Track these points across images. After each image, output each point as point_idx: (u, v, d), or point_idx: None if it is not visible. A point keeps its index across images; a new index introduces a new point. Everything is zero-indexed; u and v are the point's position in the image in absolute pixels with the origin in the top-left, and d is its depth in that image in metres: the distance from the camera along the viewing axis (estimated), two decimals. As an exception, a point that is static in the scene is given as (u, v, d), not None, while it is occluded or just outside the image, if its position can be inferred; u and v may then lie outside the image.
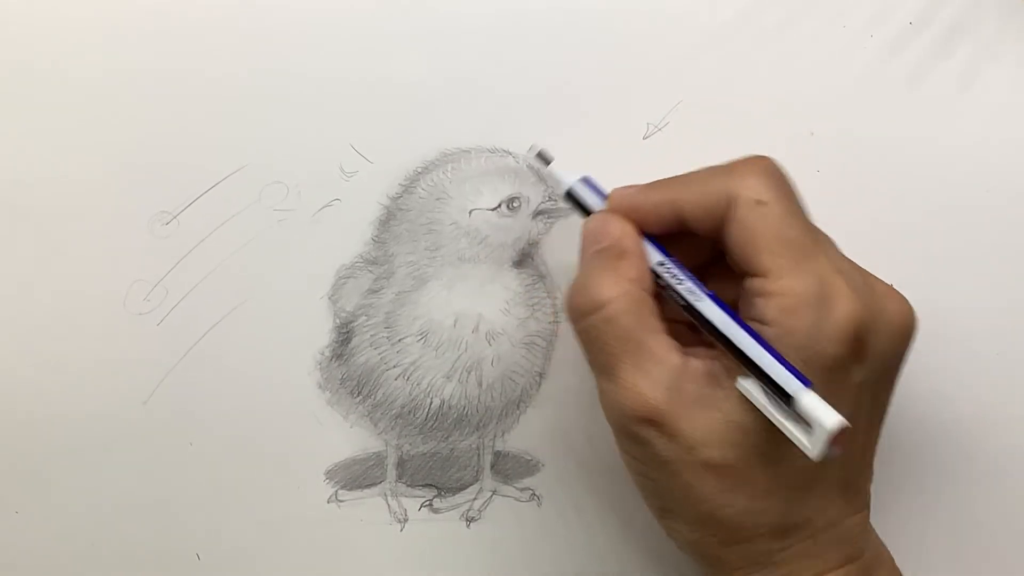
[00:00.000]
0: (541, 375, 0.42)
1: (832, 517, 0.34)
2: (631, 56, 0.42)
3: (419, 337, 0.41)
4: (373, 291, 0.42)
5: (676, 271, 0.35)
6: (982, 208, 0.43)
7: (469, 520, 0.43)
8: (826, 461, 0.31)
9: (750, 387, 0.32)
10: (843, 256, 0.35)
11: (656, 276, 0.35)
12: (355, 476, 0.42)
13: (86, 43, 0.41)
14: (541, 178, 0.42)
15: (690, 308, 0.34)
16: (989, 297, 0.43)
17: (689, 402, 0.33)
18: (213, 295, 0.41)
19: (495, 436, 0.42)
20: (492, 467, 0.43)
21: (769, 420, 0.32)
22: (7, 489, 0.42)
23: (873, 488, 0.37)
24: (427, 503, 0.43)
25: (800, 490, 0.34)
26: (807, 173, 0.42)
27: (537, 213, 0.42)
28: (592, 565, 0.43)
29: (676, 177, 0.36)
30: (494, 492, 0.43)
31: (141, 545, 0.42)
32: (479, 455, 0.43)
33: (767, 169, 0.35)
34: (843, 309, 0.32)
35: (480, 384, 0.42)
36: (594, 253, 0.35)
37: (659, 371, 0.33)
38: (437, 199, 0.41)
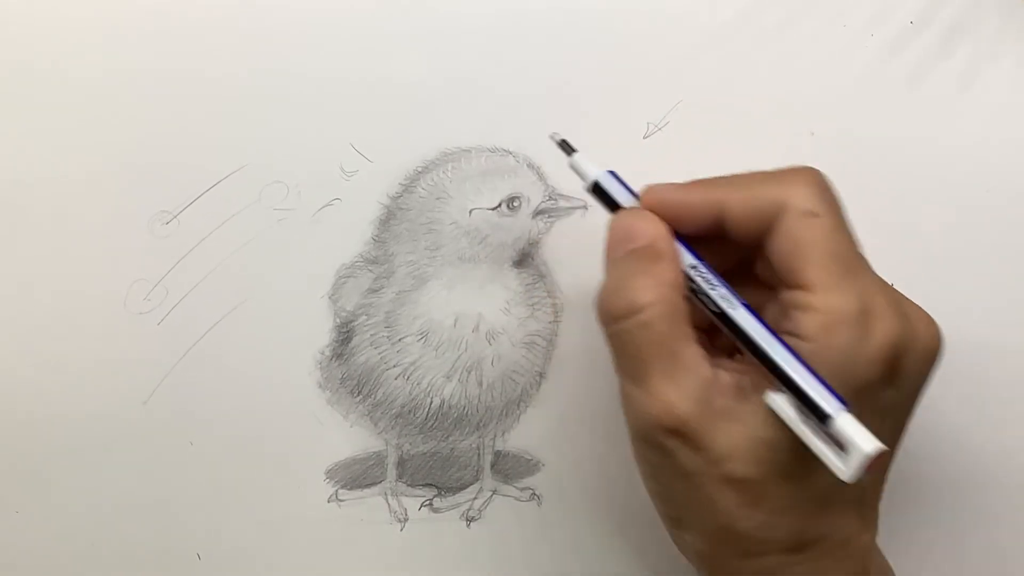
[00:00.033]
0: (541, 375, 0.42)
1: (846, 535, 0.34)
2: (631, 56, 0.42)
3: (419, 337, 0.41)
4: (373, 291, 0.42)
5: (709, 276, 0.34)
6: (982, 208, 0.43)
7: (469, 520, 0.43)
8: (844, 485, 0.30)
9: (781, 403, 0.31)
10: (878, 276, 0.34)
11: (688, 280, 0.34)
12: (355, 476, 0.42)
13: (86, 43, 0.41)
14: (541, 177, 0.42)
15: (723, 316, 0.33)
16: (989, 297, 0.43)
17: (717, 415, 0.32)
18: (213, 295, 0.41)
19: (495, 436, 0.42)
20: (492, 467, 0.43)
21: (794, 439, 0.31)
22: (7, 489, 0.42)
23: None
24: (427, 503, 0.43)
25: (818, 507, 0.33)
26: (807, 173, 0.42)
27: (537, 213, 0.42)
28: (592, 565, 0.43)
29: (720, 178, 0.35)
30: (494, 492, 0.43)
31: (141, 545, 0.42)
32: (479, 455, 0.43)
33: (818, 181, 0.34)
34: (883, 331, 0.32)
35: (480, 384, 0.42)
36: (628, 253, 0.34)
37: (689, 382, 0.32)
38: (437, 198, 0.41)
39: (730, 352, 0.35)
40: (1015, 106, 0.43)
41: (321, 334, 0.42)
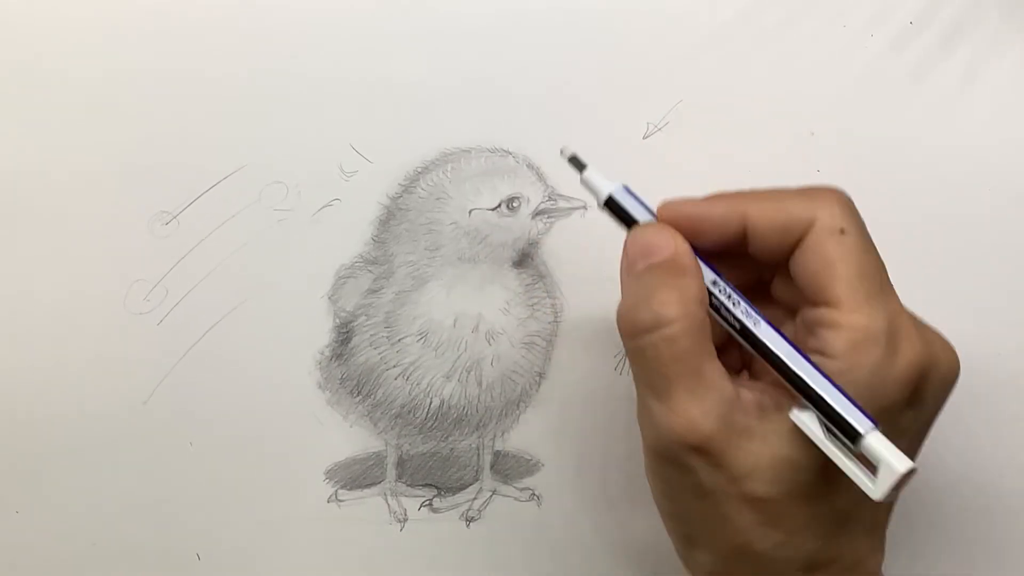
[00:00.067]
0: (541, 375, 0.42)
1: (857, 557, 0.34)
2: (631, 56, 0.42)
3: (419, 337, 0.41)
4: (373, 291, 0.42)
5: (731, 291, 0.33)
6: (982, 208, 0.43)
7: (469, 520, 0.43)
8: (862, 504, 0.31)
9: (806, 420, 0.31)
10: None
11: (708, 295, 0.34)
12: (355, 476, 0.42)
13: (86, 43, 0.41)
14: (541, 177, 0.42)
15: (745, 332, 0.33)
16: (989, 297, 0.43)
17: (739, 433, 0.32)
18: (213, 295, 0.41)
19: (495, 436, 0.42)
20: (492, 467, 0.43)
21: (816, 457, 0.31)
22: (7, 489, 0.42)
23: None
24: (427, 503, 0.43)
25: (834, 528, 0.33)
26: (807, 173, 0.42)
27: (537, 213, 0.42)
28: (592, 565, 0.43)
29: (743, 192, 0.34)
30: (494, 492, 0.43)
31: (141, 545, 0.42)
32: (479, 455, 0.43)
33: (845, 200, 0.34)
34: (909, 352, 0.32)
35: (480, 384, 0.42)
36: (649, 267, 0.33)
37: (713, 399, 0.32)
38: (437, 199, 0.41)
39: (738, 371, 0.35)
40: (1015, 106, 0.43)
41: (321, 334, 0.42)
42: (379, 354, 0.42)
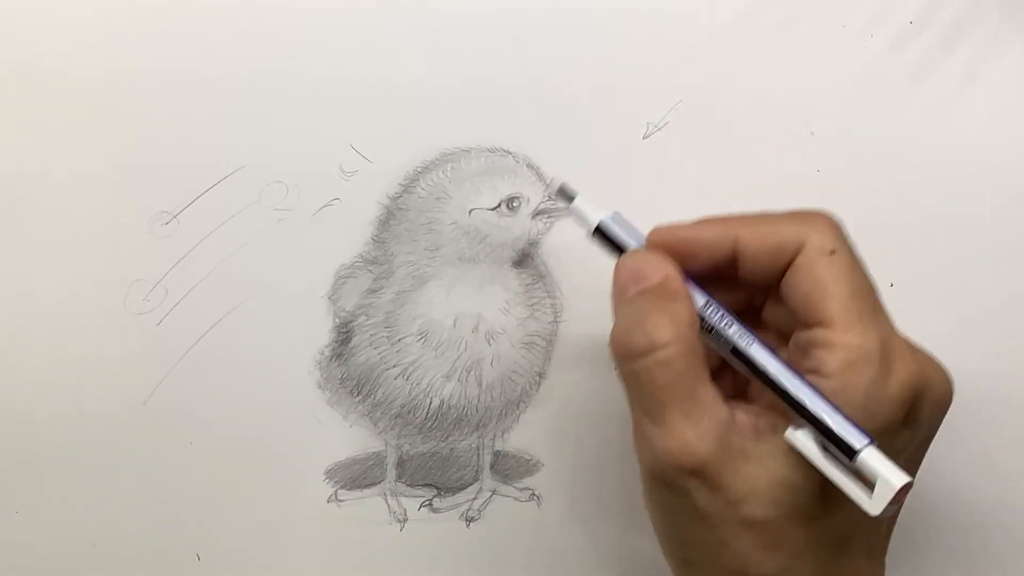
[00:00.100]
0: (541, 375, 0.42)
1: None
2: (631, 56, 0.42)
3: (419, 337, 0.41)
4: (373, 291, 0.42)
5: (723, 312, 0.34)
6: (982, 208, 0.43)
7: (469, 520, 0.43)
8: (860, 524, 0.31)
9: (803, 439, 0.31)
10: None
11: (700, 319, 0.34)
12: (355, 476, 0.42)
13: (86, 43, 0.41)
14: (541, 177, 0.42)
15: (738, 353, 0.33)
16: (989, 297, 0.43)
17: (735, 456, 0.32)
18: (213, 295, 0.41)
19: (495, 436, 0.42)
20: (492, 467, 0.43)
21: (813, 478, 0.31)
22: (7, 489, 0.42)
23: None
24: (427, 503, 0.43)
25: (834, 550, 0.33)
26: (807, 173, 0.42)
27: (537, 213, 0.42)
28: (592, 565, 0.43)
29: (732, 215, 0.35)
30: (494, 492, 0.43)
31: (141, 545, 0.42)
32: (479, 455, 0.43)
33: (834, 223, 0.34)
34: (903, 372, 0.32)
35: (480, 384, 0.42)
36: (640, 293, 0.34)
37: (708, 422, 0.32)
38: (437, 199, 0.41)
39: (731, 397, 0.35)
40: (1015, 106, 0.43)
41: (321, 334, 0.42)
42: (379, 354, 0.42)
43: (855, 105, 0.43)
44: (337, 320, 0.42)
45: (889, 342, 0.32)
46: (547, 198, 0.42)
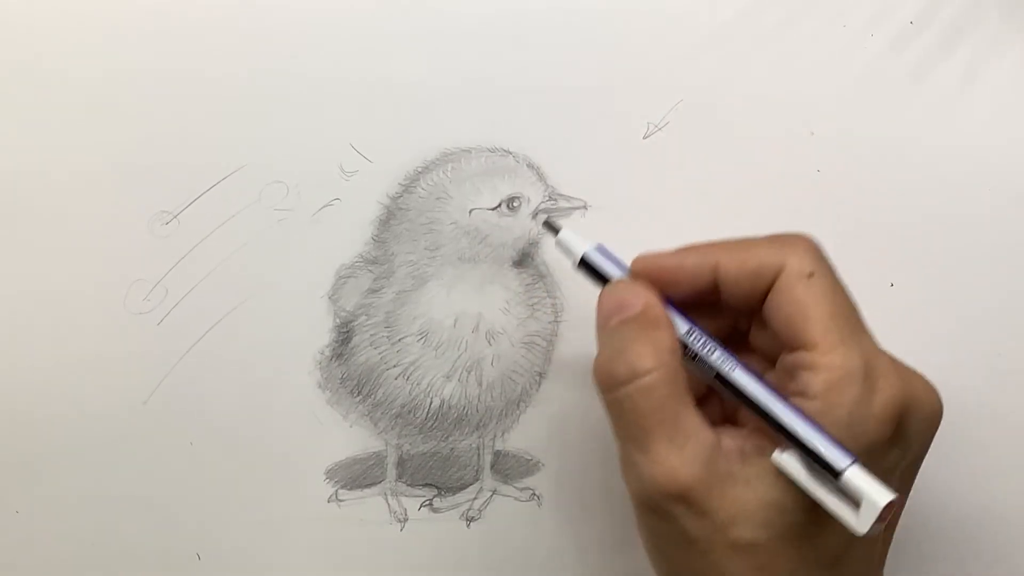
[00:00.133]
0: (541, 375, 0.42)
1: None
2: (631, 56, 0.42)
3: (419, 337, 0.42)
4: (373, 291, 0.42)
5: (705, 339, 0.34)
6: (982, 208, 0.43)
7: (469, 520, 0.43)
8: (854, 543, 0.31)
9: (789, 461, 0.31)
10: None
11: (683, 346, 0.34)
12: (355, 476, 0.42)
13: (86, 43, 0.41)
14: (541, 177, 0.42)
15: (722, 379, 0.33)
16: (989, 297, 0.43)
17: (722, 479, 0.32)
18: (213, 295, 0.41)
19: (495, 436, 0.42)
20: (492, 467, 0.43)
21: (803, 499, 0.31)
22: (7, 489, 0.42)
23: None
24: (427, 503, 0.43)
25: (827, 570, 0.33)
26: (807, 173, 0.42)
27: (537, 213, 0.42)
28: (592, 565, 0.43)
29: (713, 242, 0.35)
30: (494, 492, 0.43)
31: (141, 545, 0.42)
32: (479, 455, 0.43)
33: (812, 245, 0.34)
34: (887, 390, 0.32)
35: (480, 384, 0.42)
36: (622, 322, 0.34)
37: (693, 447, 0.32)
38: (437, 198, 0.41)
39: (719, 423, 0.35)
40: (1016, 106, 0.43)
41: (321, 334, 0.42)
42: (379, 354, 0.42)
43: (855, 105, 0.43)
44: (337, 320, 0.42)
45: (872, 361, 0.32)
46: (547, 198, 0.42)
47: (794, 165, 0.43)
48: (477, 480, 0.43)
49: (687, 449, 0.32)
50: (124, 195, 0.41)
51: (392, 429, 0.42)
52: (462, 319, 0.41)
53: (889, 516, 0.30)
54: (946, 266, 0.43)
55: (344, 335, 0.42)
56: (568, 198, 0.42)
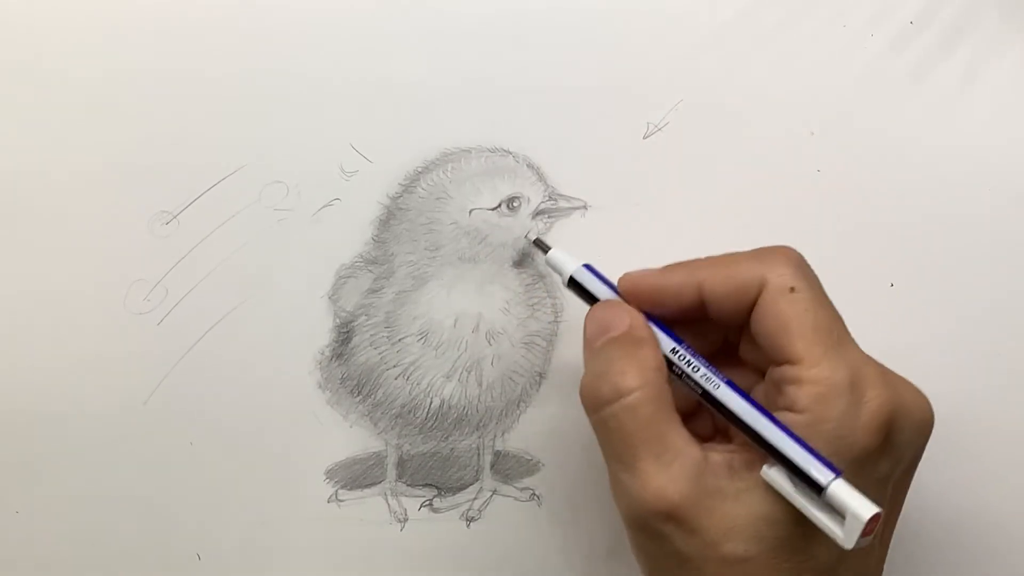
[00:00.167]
0: (541, 375, 0.42)
1: None
2: (631, 56, 0.42)
3: (419, 337, 0.42)
4: (373, 291, 0.42)
5: (690, 357, 0.34)
6: (982, 208, 0.43)
7: (469, 520, 0.43)
8: (848, 553, 0.31)
9: (776, 476, 0.32)
10: (862, 351, 0.34)
11: (669, 364, 0.35)
12: (355, 476, 0.42)
13: (86, 43, 0.41)
14: (541, 177, 0.42)
15: (708, 396, 0.34)
16: (989, 297, 0.43)
17: (710, 496, 0.32)
18: (213, 295, 0.41)
19: (495, 436, 0.42)
20: (492, 467, 0.43)
21: (793, 511, 0.32)
22: (7, 489, 0.42)
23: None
24: (427, 503, 0.43)
25: None
26: (807, 173, 0.42)
27: (537, 213, 0.42)
28: (592, 565, 0.43)
29: (698, 260, 0.36)
30: (494, 492, 0.43)
31: (141, 545, 0.42)
32: (479, 455, 0.43)
33: (794, 257, 0.34)
34: (875, 399, 0.32)
35: (480, 384, 0.42)
36: (608, 342, 0.35)
37: (680, 464, 0.32)
38: (437, 199, 0.41)
39: (710, 436, 0.36)
40: (1015, 106, 0.43)
41: (321, 334, 0.42)
42: (379, 354, 0.42)
43: (855, 105, 0.43)
44: (337, 320, 0.42)
45: (859, 371, 0.32)
46: (547, 198, 0.42)
47: (794, 165, 0.43)
48: (477, 480, 0.43)
49: (674, 467, 0.32)
50: (124, 195, 0.41)
51: (392, 429, 0.42)
52: (462, 319, 0.41)
53: (875, 529, 0.30)
54: (946, 266, 0.43)
55: (344, 335, 0.42)
56: (568, 198, 0.42)
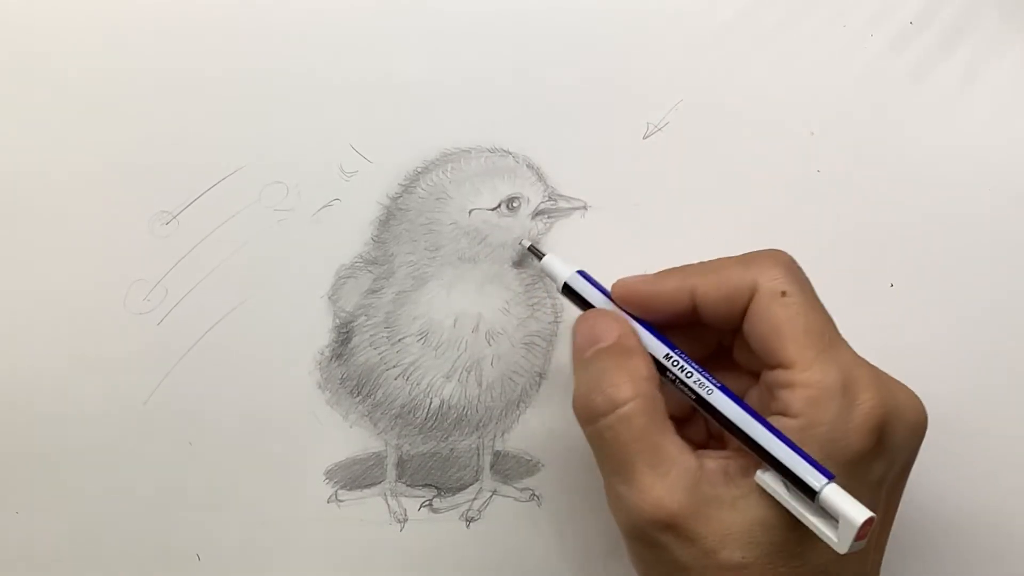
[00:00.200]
0: (541, 375, 0.42)
1: None
2: (631, 56, 0.42)
3: (419, 337, 0.41)
4: (373, 291, 0.42)
5: (683, 363, 0.34)
6: (982, 208, 0.43)
7: (469, 520, 0.43)
8: (844, 557, 0.31)
9: (770, 481, 0.32)
10: (855, 352, 0.34)
11: (662, 370, 0.35)
12: (355, 476, 0.42)
13: (86, 43, 0.41)
14: (541, 177, 0.42)
15: (701, 401, 0.34)
16: (989, 297, 0.43)
17: (707, 504, 0.32)
18: (213, 295, 0.41)
19: (495, 436, 0.42)
20: (492, 467, 0.43)
21: (788, 516, 0.32)
22: (7, 489, 0.42)
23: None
24: (427, 503, 0.43)
25: None
26: (807, 173, 0.42)
27: (537, 213, 0.42)
28: (592, 565, 0.43)
29: (690, 265, 0.36)
30: (494, 492, 0.43)
31: (141, 545, 0.42)
32: (479, 455, 0.43)
33: (785, 261, 0.34)
34: (867, 401, 0.32)
35: (480, 384, 0.42)
36: (598, 352, 0.35)
37: (676, 473, 0.32)
38: (437, 199, 0.41)
39: (704, 442, 0.36)
40: (1015, 106, 0.43)
41: (321, 334, 0.42)
42: (379, 354, 0.42)
43: (855, 105, 0.43)
44: (337, 320, 0.42)
45: (851, 374, 0.32)
46: (547, 198, 0.42)
47: (794, 165, 0.43)
48: (477, 480, 0.43)
49: (671, 476, 0.32)
50: (124, 195, 0.41)
51: (392, 429, 0.42)
52: (462, 319, 0.41)
53: (868, 533, 0.30)
54: (946, 266, 0.43)
55: (344, 335, 0.42)
56: (568, 198, 0.42)
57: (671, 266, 0.36)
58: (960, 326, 0.43)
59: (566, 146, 0.42)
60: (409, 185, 0.41)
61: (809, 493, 0.31)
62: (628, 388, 0.33)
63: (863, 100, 0.43)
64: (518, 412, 0.42)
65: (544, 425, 0.42)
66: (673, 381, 0.35)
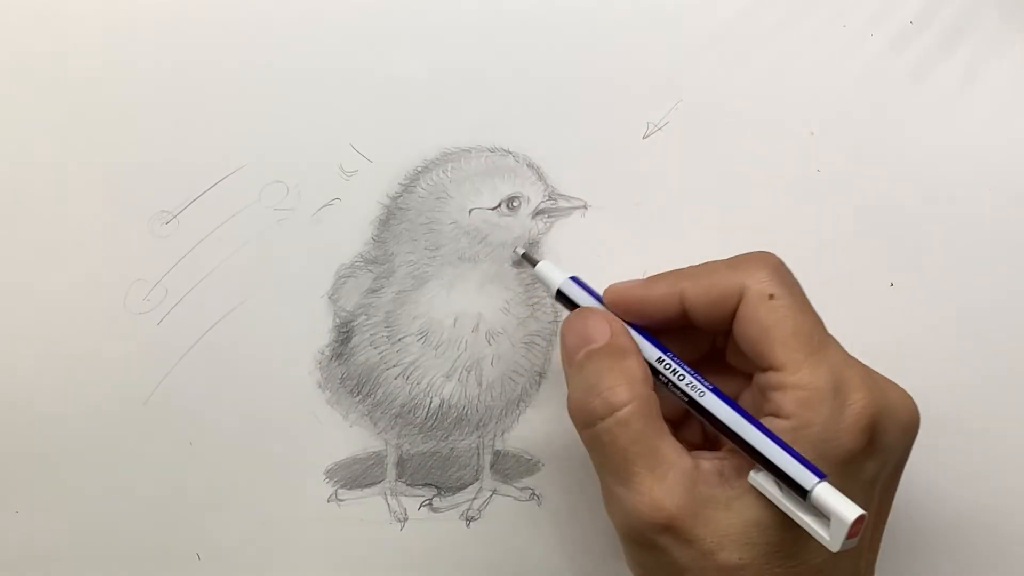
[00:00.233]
0: (541, 375, 0.42)
1: None
2: (631, 56, 0.42)
3: (419, 336, 0.41)
4: (373, 290, 0.42)
5: (676, 366, 0.35)
6: (982, 208, 0.43)
7: (469, 520, 0.43)
8: (839, 555, 0.31)
9: (763, 481, 0.32)
10: (846, 352, 0.34)
11: (655, 373, 0.35)
12: (355, 475, 0.42)
13: (86, 42, 0.41)
14: (541, 177, 0.42)
15: (694, 404, 0.34)
16: (989, 297, 0.43)
17: (704, 505, 0.32)
18: (213, 295, 0.41)
19: (495, 436, 0.42)
20: (492, 467, 0.43)
21: (782, 516, 0.32)
22: (7, 489, 0.42)
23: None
24: (427, 502, 0.43)
25: None
26: (807, 173, 0.42)
27: (537, 212, 0.42)
28: (592, 565, 0.43)
29: (680, 270, 0.36)
30: (494, 492, 0.43)
31: (141, 545, 0.42)
32: (479, 454, 0.43)
33: (773, 264, 0.35)
34: (858, 402, 0.32)
35: (480, 383, 0.42)
36: (591, 353, 0.35)
37: (673, 476, 0.32)
38: (437, 198, 0.41)
39: (700, 443, 0.36)
40: (1015, 106, 0.43)
41: (321, 334, 0.42)
42: (379, 354, 0.42)
43: (855, 105, 0.43)
44: (337, 320, 0.42)
45: (842, 375, 0.33)
46: (547, 198, 0.42)
47: (794, 165, 0.43)
48: (477, 480, 0.43)
49: (669, 479, 0.32)
50: (124, 195, 0.41)
51: (392, 429, 0.42)
52: (462, 319, 0.41)
53: (860, 531, 0.30)
54: (946, 266, 0.43)
55: (344, 335, 0.42)
56: (568, 198, 0.42)
57: (671, 266, 0.36)
58: (960, 326, 0.43)
59: (566, 146, 0.42)
60: (409, 184, 0.41)
61: (801, 492, 0.31)
62: (624, 391, 0.33)
63: (863, 100, 0.43)
64: (518, 412, 0.42)
65: (544, 424, 0.42)
66: (666, 384, 0.35)
